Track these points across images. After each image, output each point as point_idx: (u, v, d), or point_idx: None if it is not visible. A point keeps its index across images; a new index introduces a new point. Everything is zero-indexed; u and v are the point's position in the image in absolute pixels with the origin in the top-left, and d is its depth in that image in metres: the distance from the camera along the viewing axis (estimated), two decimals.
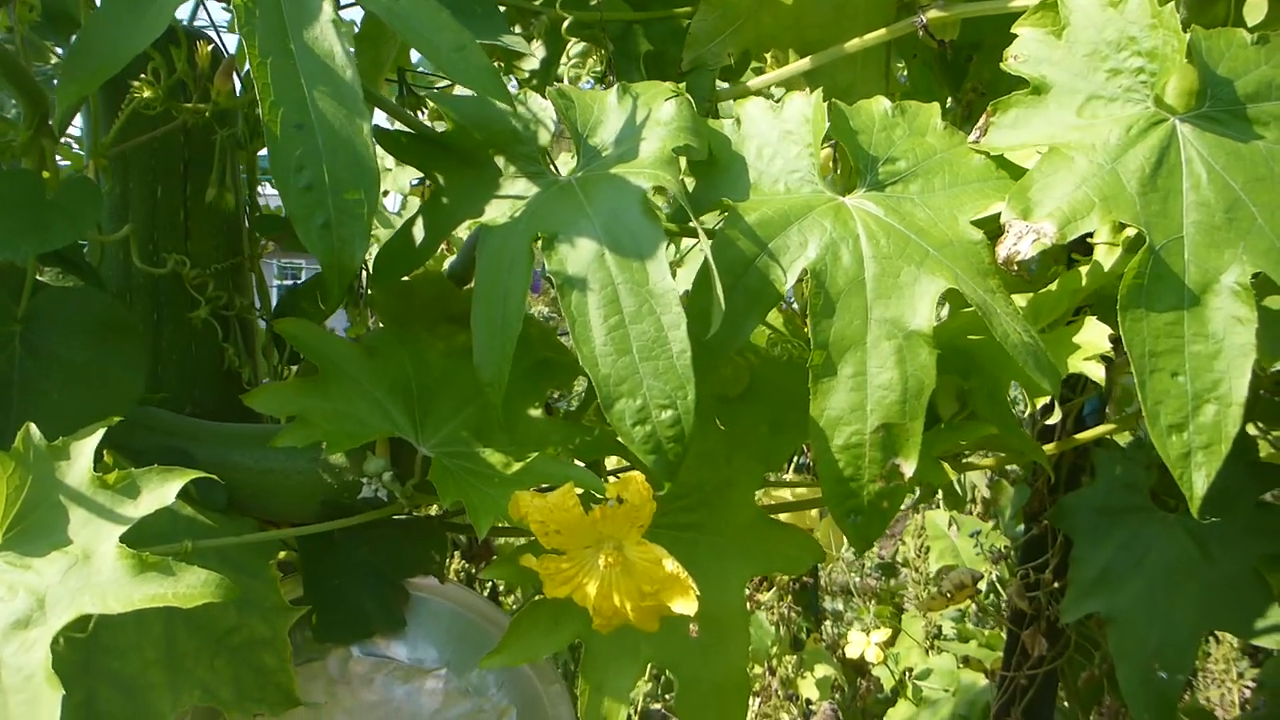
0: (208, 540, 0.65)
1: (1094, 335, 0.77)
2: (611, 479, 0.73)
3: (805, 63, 0.94)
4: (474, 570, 1.38)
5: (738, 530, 0.76)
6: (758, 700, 2.27)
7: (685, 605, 0.63)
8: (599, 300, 0.65)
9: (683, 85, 0.78)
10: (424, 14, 0.67)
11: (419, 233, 0.75)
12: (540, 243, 0.67)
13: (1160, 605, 1.23)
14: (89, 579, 0.54)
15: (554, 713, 0.80)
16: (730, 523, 0.76)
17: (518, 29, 0.99)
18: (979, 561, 1.96)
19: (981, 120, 0.77)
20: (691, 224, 0.68)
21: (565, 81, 0.88)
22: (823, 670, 2.34)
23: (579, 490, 0.64)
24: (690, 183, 0.75)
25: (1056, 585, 1.49)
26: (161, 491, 0.57)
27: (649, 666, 0.80)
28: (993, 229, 0.72)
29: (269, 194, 0.97)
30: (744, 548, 0.76)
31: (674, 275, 0.68)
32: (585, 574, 0.65)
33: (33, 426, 0.57)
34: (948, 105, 1.24)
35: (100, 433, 0.59)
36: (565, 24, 0.87)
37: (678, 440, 0.64)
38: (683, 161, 0.74)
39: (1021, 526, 1.54)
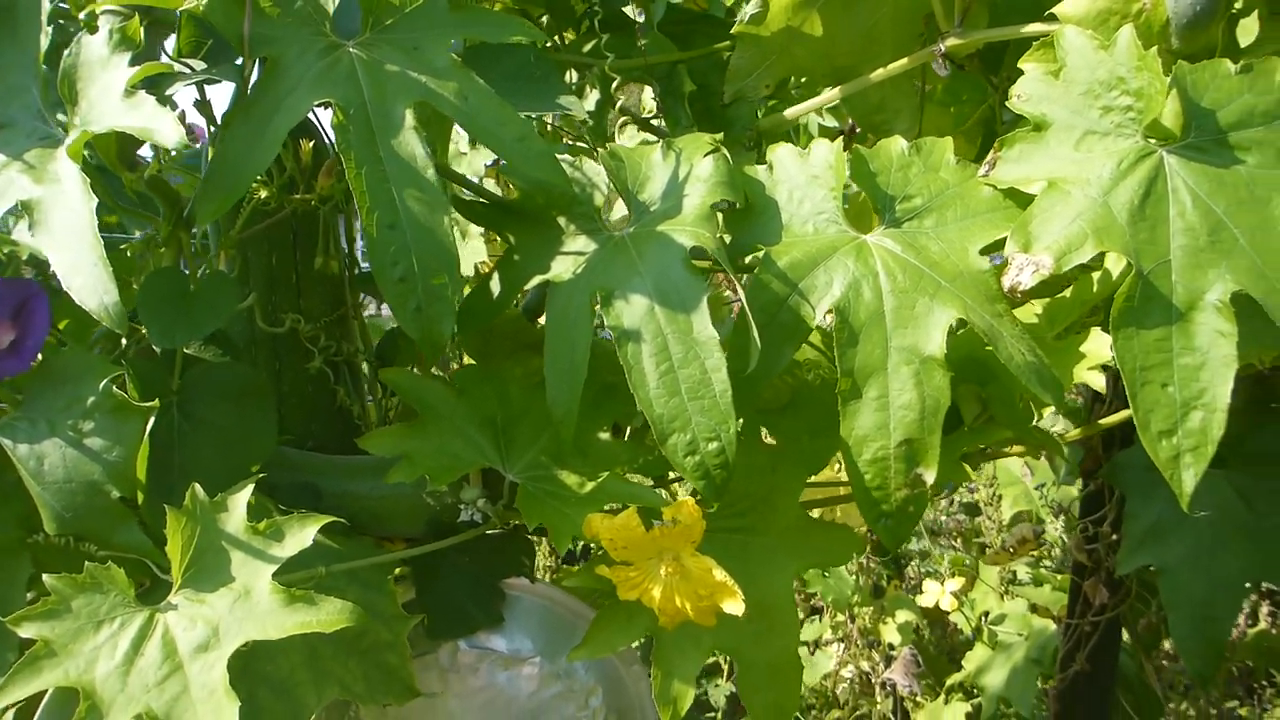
0: (338, 565, 0.79)
1: (1098, 346, 0.85)
2: (670, 492, 0.84)
3: (835, 93, 1.03)
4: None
5: (784, 530, 0.87)
6: (841, 647, 2.39)
7: (734, 606, 0.74)
8: (651, 349, 0.76)
9: (720, 135, 0.88)
10: (491, 110, 0.78)
11: (495, 287, 0.86)
12: (599, 300, 0.78)
13: (1207, 558, 1.31)
14: (251, 610, 0.68)
15: (635, 690, 0.93)
16: (777, 524, 0.87)
17: (573, 75, 1.09)
18: (1049, 510, 2.04)
19: (990, 155, 0.85)
20: (731, 271, 0.79)
21: (617, 125, 0.98)
22: (904, 615, 2.44)
23: (642, 508, 0.76)
24: (728, 235, 0.85)
25: (1115, 538, 1.57)
26: (302, 535, 0.71)
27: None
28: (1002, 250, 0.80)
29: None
30: (790, 545, 0.87)
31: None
32: (650, 580, 0.77)
33: (197, 486, 0.71)
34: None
35: (250, 488, 0.72)
36: (614, 84, 0.98)
37: (723, 467, 0.75)
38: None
39: (1080, 482, 1.61)
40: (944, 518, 3.50)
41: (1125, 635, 1.73)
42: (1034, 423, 1.04)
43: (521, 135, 0.78)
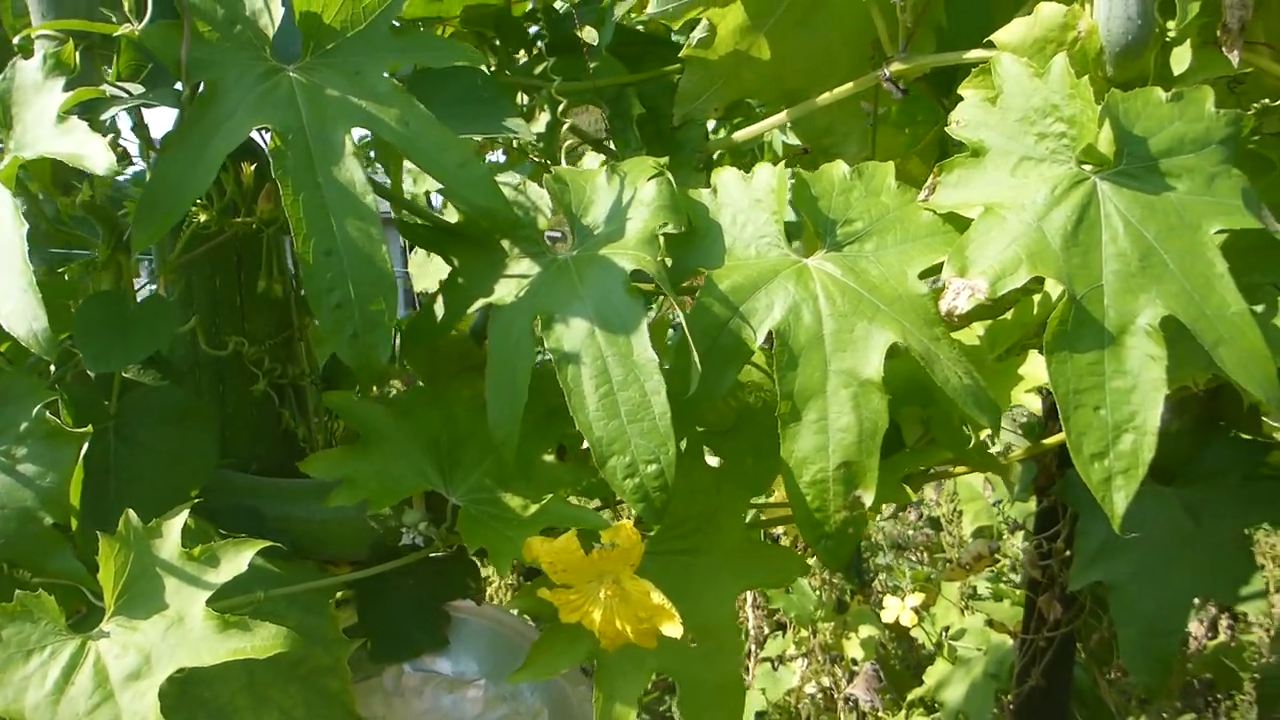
0: (277, 590, 0.78)
1: (1036, 368, 0.86)
2: (616, 515, 0.84)
3: (782, 116, 1.04)
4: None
5: (728, 551, 0.87)
6: (804, 662, 2.39)
7: (672, 629, 0.75)
8: (591, 372, 0.77)
9: (665, 160, 0.88)
10: (432, 135, 0.78)
11: (440, 310, 0.87)
12: (540, 323, 0.78)
13: (1156, 574, 1.33)
14: (184, 637, 0.68)
15: (581, 711, 0.93)
16: (721, 545, 0.87)
17: (523, 98, 1.09)
18: (1006, 526, 2.06)
19: (929, 180, 0.86)
20: (671, 295, 0.80)
21: (573, 149, 0.98)
22: (867, 631, 2.45)
23: (583, 531, 0.76)
24: (671, 259, 0.86)
25: (1068, 553, 1.59)
26: (237, 560, 0.70)
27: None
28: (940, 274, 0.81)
29: None
30: (734, 566, 0.87)
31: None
32: (591, 603, 0.77)
33: (131, 512, 0.70)
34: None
35: (185, 513, 0.72)
36: (561, 107, 0.98)
37: (662, 490, 0.76)
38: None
39: (1033, 499, 1.63)
40: (910, 532, 3.53)
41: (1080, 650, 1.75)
42: (985, 442, 1.06)
43: (463, 161, 0.78)
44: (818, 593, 2.40)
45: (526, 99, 1.13)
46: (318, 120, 0.75)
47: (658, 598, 0.74)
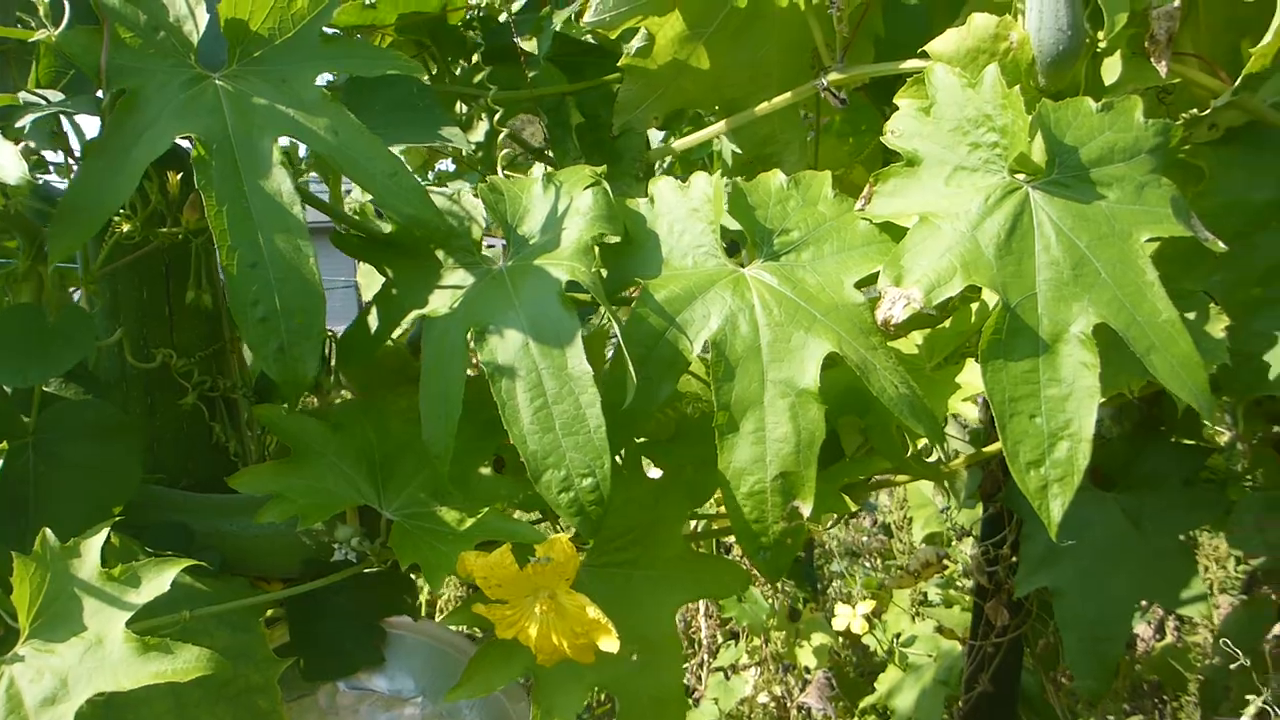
0: (204, 609, 0.76)
1: (973, 376, 0.87)
2: (555, 528, 0.83)
3: (722, 125, 1.03)
4: None
5: (667, 563, 0.86)
6: (757, 671, 2.39)
7: (609, 643, 0.74)
8: (525, 385, 0.76)
9: (603, 169, 0.88)
10: (361, 145, 0.77)
11: (374, 321, 0.85)
12: (473, 335, 0.77)
13: (1099, 579, 1.34)
14: (103, 660, 0.65)
15: None
16: (660, 557, 0.86)
17: (462, 107, 1.08)
18: (954, 533, 2.07)
19: (866, 189, 0.86)
20: (610, 303, 0.79)
21: (509, 157, 0.97)
22: (820, 638, 2.46)
23: (519, 545, 0.75)
24: (606, 269, 0.85)
25: (1014, 560, 1.60)
26: (159, 580, 0.68)
27: None
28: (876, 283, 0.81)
29: None
30: (674, 578, 0.86)
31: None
32: (526, 618, 0.76)
33: (48, 531, 0.68)
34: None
35: (104, 532, 0.69)
36: (497, 115, 0.97)
37: (598, 503, 0.75)
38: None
39: (980, 505, 1.64)
40: (865, 539, 3.54)
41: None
42: (925, 451, 1.06)
43: (393, 171, 0.77)
44: (770, 601, 2.39)
45: (465, 108, 1.12)
46: (244, 129, 0.74)
47: (593, 612, 0.73)
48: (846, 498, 0.85)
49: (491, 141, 1.08)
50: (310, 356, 0.71)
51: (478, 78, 1.07)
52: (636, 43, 1.01)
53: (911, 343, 0.96)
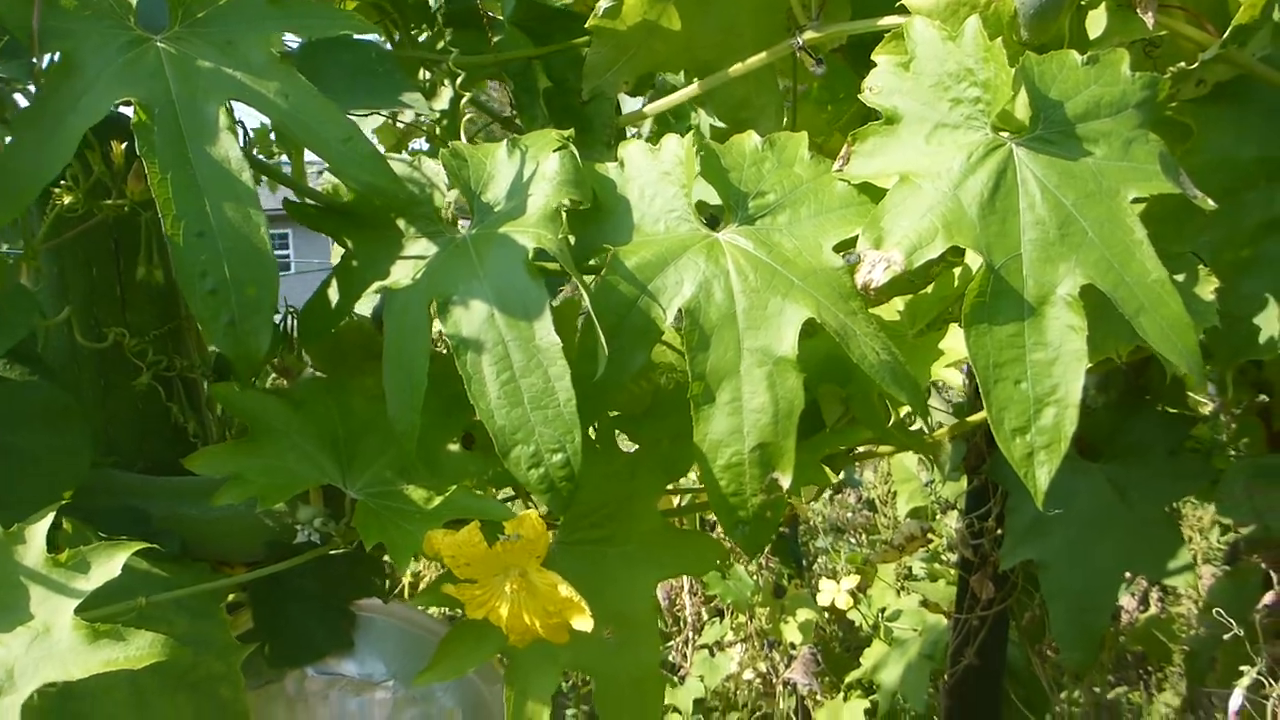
0: (161, 595, 0.73)
1: (957, 342, 0.84)
2: (527, 504, 0.81)
3: (694, 88, 1.00)
4: None
5: (643, 539, 0.84)
6: (742, 648, 2.38)
7: (583, 623, 0.71)
8: (491, 358, 0.73)
9: (570, 133, 0.84)
10: (314, 109, 0.73)
11: (334, 294, 0.82)
12: (437, 307, 0.74)
13: (1084, 550, 1.32)
14: (50, 649, 0.62)
15: (498, 709, 0.89)
16: (636, 532, 0.84)
17: (425, 73, 1.04)
18: (938, 506, 2.05)
19: (844, 149, 0.83)
20: (580, 270, 0.76)
21: (466, 121, 0.93)
22: (805, 614, 2.44)
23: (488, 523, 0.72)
24: (576, 233, 0.82)
25: (999, 532, 1.58)
26: (109, 565, 0.65)
27: None
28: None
29: None
30: (650, 554, 0.83)
31: None
32: (497, 598, 0.73)
33: None
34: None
35: (50, 516, 0.66)
36: (460, 79, 0.93)
37: (569, 479, 0.72)
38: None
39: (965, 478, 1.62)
40: (849, 514, 3.54)
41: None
42: (908, 420, 1.03)
43: (347, 136, 0.73)
44: (755, 578, 2.38)
45: (429, 75, 1.08)
46: (188, 93, 0.70)
47: (566, 590, 0.70)
48: (827, 469, 0.82)
49: (456, 109, 1.04)
50: (262, 330, 0.68)
51: (441, 43, 1.04)
52: (604, 3, 0.97)
53: (893, 309, 0.94)
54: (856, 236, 0.77)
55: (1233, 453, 1.51)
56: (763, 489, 0.76)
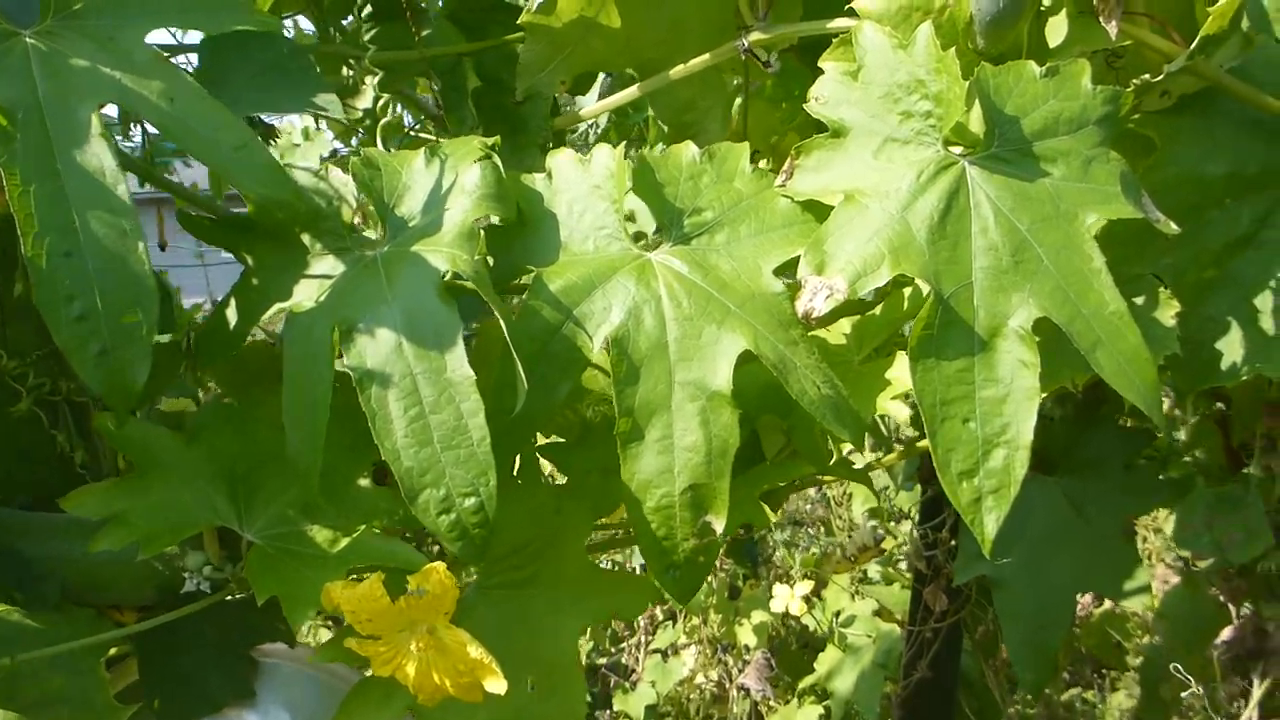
0: (33, 652, 0.66)
1: (904, 371, 0.78)
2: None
3: (634, 90, 0.94)
4: None
5: (570, 581, 0.78)
6: (695, 652, 2.33)
7: (495, 685, 0.65)
8: (399, 392, 0.66)
9: (494, 141, 0.78)
10: (203, 113, 0.66)
11: (233, 315, 0.75)
12: (339, 334, 0.68)
13: (1040, 568, 1.28)
14: None
15: None
16: (562, 574, 0.78)
17: (348, 69, 0.97)
18: (902, 503, 2.01)
19: (787, 163, 0.77)
20: (504, 290, 0.69)
21: (382, 125, 0.87)
22: (759, 616, 2.40)
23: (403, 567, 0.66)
24: (499, 250, 0.76)
25: (953, 543, 1.55)
26: None
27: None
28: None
29: None
30: (576, 598, 0.78)
31: None
32: (403, 656, 0.67)
33: None
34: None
35: None
36: (378, 78, 0.87)
37: (482, 525, 0.66)
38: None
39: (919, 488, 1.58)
40: (808, 505, 3.50)
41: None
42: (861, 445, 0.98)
43: (241, 143, 0.66)
44: (709, 580, 2.33)
45: (352, 71, 1.01)
46: (58, 95, 0.63)
47: (476, 651, 0.64)
48: (766, 507, 0.77)
49: (382, 107, 0.98)
50: (139, 362, 0.61)
51: (367, 36, 0.97)
52: None
53: (839, 331, 0.88)
54: (799, 258, 0.72)
55: (1189, 458, 1.48)
56: (695, 533, 0.70)
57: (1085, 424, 1.33)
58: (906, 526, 1.87)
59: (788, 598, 2.01)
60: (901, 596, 2.06)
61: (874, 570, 2.25)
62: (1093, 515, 1.28)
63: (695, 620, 2.37)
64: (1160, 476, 1.23)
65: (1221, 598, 1.08)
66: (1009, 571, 1.30)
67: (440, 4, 1.00)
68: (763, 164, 1.11)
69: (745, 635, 2.37)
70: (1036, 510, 1.30)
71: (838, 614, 2.18)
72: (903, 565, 2.21)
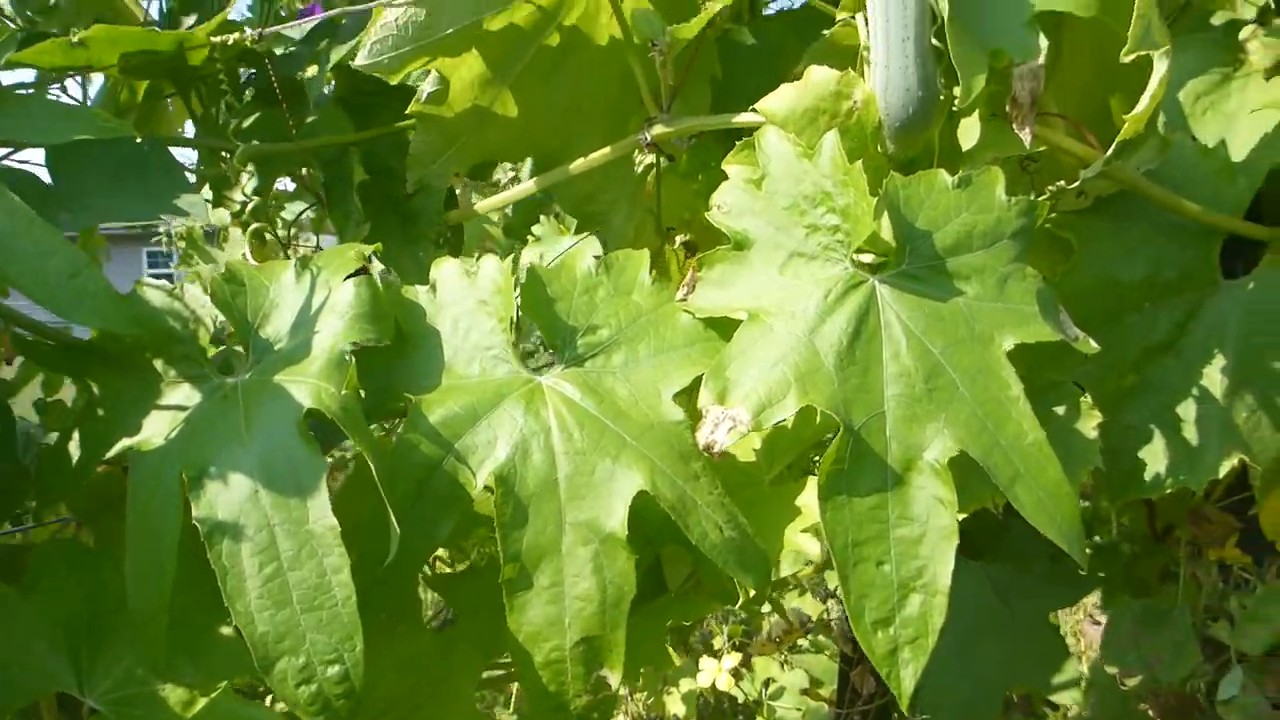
0: None
1: (815, 499, 0.73)
2: None
3: (530, 185, 0.88)
4: None
5: None
6: None
7: None
8: (253, 547, 0.60)
9: (374, 248, 0.72)
10: (31, 237, 0.59)
11: (75, 450, 0.68)
12: (187, 480, 0.61)
13: (966, 659, 1.24)
14: None
15: None
16: None
17: (225, 160, 0.90)
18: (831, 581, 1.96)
19: (689, 276, 0.72)
20: (360, 442, 0.63)
21: (250, 232, 0.80)
22: (689, 684, 2.33)
23: None
24: (376, 371, 0.69)
25: None
26: None
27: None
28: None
29: None
30: None
31: None
32: None
33: None
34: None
35: None
36: (250, 180, 0.80)
37: (348, 695, 0.59)
38: None
39: None
40: None
41: None
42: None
43: (74, 270, 0.59)
44: None
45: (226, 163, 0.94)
46: None
47: None
48: (671, 651, 0.71)
49: (262, 197, 0.90)
50: None
51: (246, 124, 0.90)
52: (428, 86, 0.85)
53: (749, 446, 0.83)
54: (700, 379, 0.67)
55: (1115, 525, 1.46)
56: (588, 688, 0.64)
57: (1012, 511, 1.29)
58: (833, 604, 1.83)
59: (715, 671, 1.95)
60: (831, 667, 2.01)
61: (803, 640, 2.20)
62: (1019, 607, 1.24)
63: (623, 691, 2.30)
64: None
65: (1151, 714, 1.04)
66: (935, 660, 1.25)
67: (328, 89, 0.94)
68: (679, 239, 1.07)
69: (674, 705, 2.30)
70: (963, 598, 1.26)
71: (767, 683, 2.12)
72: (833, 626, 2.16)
